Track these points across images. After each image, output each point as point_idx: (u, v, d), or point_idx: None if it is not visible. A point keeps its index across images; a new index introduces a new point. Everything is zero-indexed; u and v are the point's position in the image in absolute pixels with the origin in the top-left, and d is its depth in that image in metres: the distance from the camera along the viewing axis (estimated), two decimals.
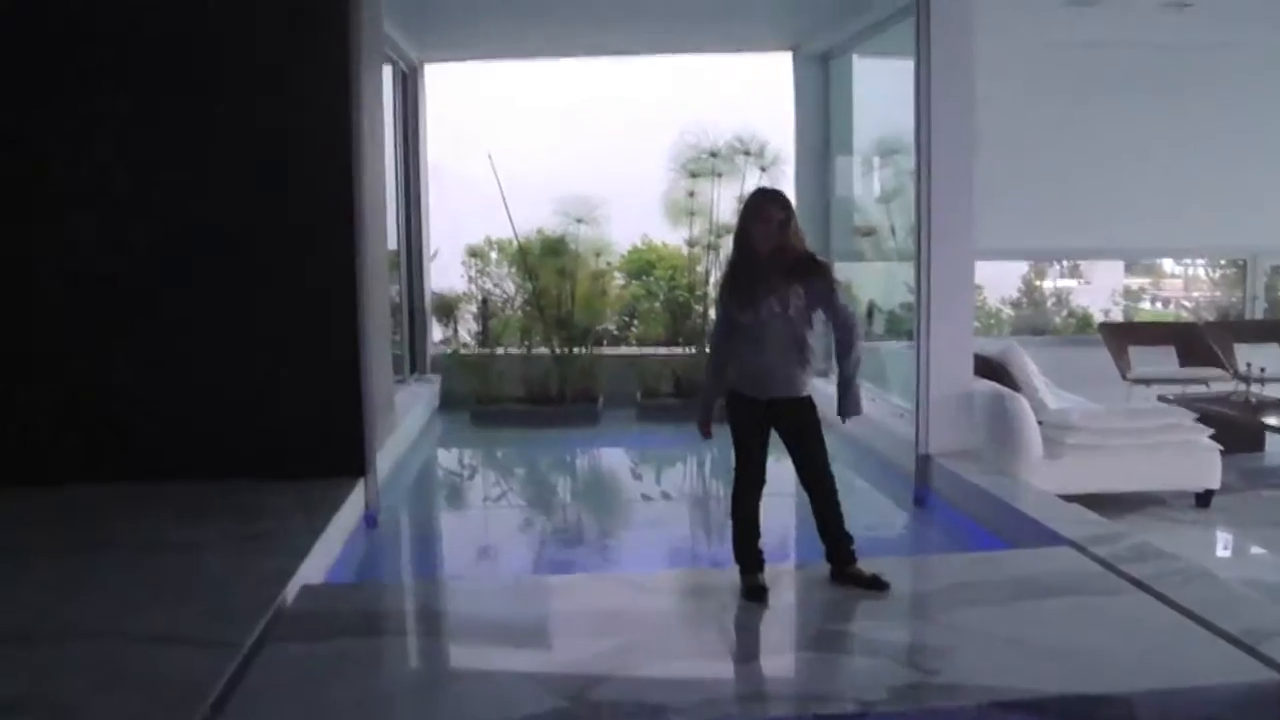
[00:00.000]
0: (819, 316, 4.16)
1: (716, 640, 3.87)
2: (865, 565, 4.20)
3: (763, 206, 4.11)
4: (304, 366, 5.71)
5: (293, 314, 5.71)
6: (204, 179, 5.63)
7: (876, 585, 4.11)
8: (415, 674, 3.69)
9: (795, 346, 4.09)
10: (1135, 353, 9.46)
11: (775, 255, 4.05)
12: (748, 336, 4.13)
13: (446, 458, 8.82)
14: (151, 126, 5.60)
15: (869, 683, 3.39)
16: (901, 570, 4.42)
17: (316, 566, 4.54)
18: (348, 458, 5.72)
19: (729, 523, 4.25)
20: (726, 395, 4.27)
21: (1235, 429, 7.37)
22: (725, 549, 4.33)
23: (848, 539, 4.20)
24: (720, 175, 9.53)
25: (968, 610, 3.94)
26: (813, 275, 4.10)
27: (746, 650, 3.89)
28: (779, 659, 3.79)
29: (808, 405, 4.17)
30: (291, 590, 4.09)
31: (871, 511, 6.42)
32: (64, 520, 5.05)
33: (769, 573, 4.18)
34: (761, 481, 4.22)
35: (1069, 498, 5.44)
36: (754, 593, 4.08)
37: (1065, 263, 13.09)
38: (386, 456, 6.46)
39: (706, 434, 4.36)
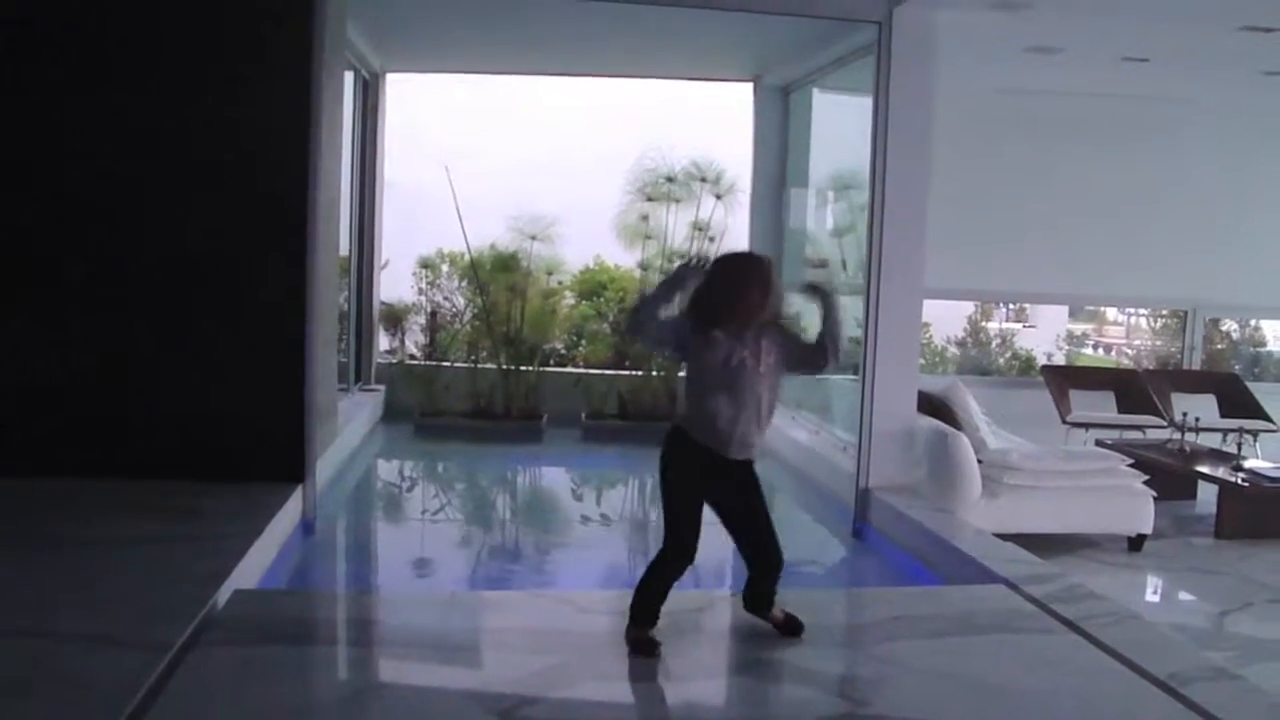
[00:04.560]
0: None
1: (650, 663, 3.84)
2: (796, 598, 4.11)
3: (758, 279, 3.80)
4: (248, 369, 5.64)
5: (239, 316, 5.64)
6: (156, 176, 5.54)
7: (792, 629, 3.94)
8: (345, 684, 3.65)
9: (761, 407, 3.77)
10: (1076, 396, 9.61)
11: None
12: (717, 383, 3.72)
13: (387, 468, 8.74)
14: (109, 122, 5.51)
15: (800, 711, 3.42)
16: (837, 602, 4.46)
17: (251, 571, 4.47)
18: (287, 463, 5.66)
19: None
20: (672, 445, 3.84)
21: (1169, 476, 7.51)
22: None
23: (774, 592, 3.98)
24: (678, 201, 9.59)
25: (901, 643, 3.97)
26: (776, 329, 3.85)
27: (680, 674, 3.87)
28: (712, 684, 3.78)
29: (750, 465, 3.89)
30: (224, 594, 4.03)
31: (810, 542, 6.45)
32: None
33: (702, 599, 4.17)
34: (693, 557, 3.82)
35: (1005, 536, 5.49)
36: (643, 645, 3.77)
37: (1011, 305, 13.30)
38: (327, 464, 6.40)
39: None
